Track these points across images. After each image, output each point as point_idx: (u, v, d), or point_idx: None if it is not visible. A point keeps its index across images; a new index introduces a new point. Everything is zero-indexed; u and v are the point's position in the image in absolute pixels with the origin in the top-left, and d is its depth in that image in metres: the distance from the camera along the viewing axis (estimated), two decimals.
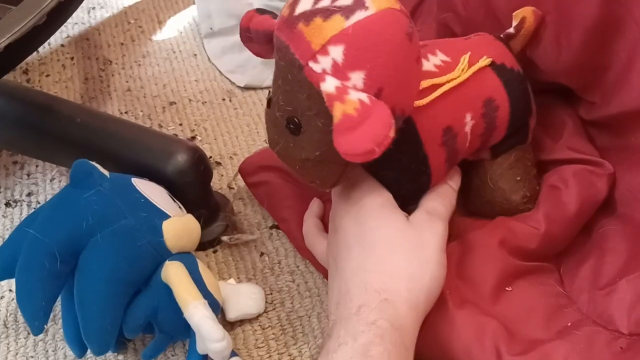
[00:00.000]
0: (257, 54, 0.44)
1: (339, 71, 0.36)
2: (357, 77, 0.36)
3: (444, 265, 0.43)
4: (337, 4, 0.36)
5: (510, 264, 0.47)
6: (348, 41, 0.36)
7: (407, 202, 0.45)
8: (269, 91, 0.42)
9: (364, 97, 0.35)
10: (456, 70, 0.45)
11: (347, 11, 0.36)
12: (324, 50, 0.36)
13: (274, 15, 0.41)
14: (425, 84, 0.43)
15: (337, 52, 0.36)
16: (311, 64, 0.36)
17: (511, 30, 0.48)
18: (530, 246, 0.48)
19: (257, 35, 0.42)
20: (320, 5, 0.37)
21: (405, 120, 0.41)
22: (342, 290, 0.41)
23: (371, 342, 0.37)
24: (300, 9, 0.37)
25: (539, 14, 0.47)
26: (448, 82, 0.44)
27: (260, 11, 0.43)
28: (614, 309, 0.42)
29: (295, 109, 0.38)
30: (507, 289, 0.46)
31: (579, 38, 0.45)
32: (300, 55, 0.36)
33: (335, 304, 0.41)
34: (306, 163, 0.40)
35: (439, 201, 0.46)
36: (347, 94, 0.35)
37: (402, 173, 0.44)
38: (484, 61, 0.46)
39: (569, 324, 0.44)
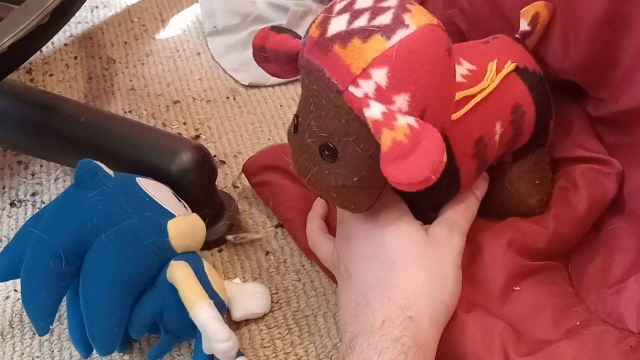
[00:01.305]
0: (274, 75, 0.42)
1: (382, 95, 0.34)
2: (402, 100, 0.34)
3: (460, 282, 0.43)
4: (376, 23, 0.34)
5: (519, 264, 0.47)
6: (392, 63, 0.34)
7: (431, 210, 0.44)
8: (295, 116, 0.39)
9: (412, 121, 0.33)
10: (485, 80, 0.44)
11: (387, 30, 0.34)
12: (365, 74, 0.34)
13: (294, 34, 0.39)
14: (457, 96, 0.41)
15: (380, 75, 0.34)
16: (351, 89, 0.34)
17: (527, 27, 0.48)
18: (539, 245, 0.47)
19: (275, 56, 0.40)
20: (356, 25, 0.35)
21: None
22: (361, 303, 0.40)
23: (395, 359, 0.36)
24: (333, 29, 0.35)
25: (551, 7, 0.46)
26: (479, 92, 0.43)
27: (277, 29, 0.40)
28: (623, 307, 0.42)
29: (331, 134, 0.37)
30: (515, 288, 0.46)
31: (587, 35, 0.45)
32: (338, 79, 0.35)
33: (352, 316, 0.40)
34: (342, 190, 0.38)
35: (462, 213, 0.45)
36: (395, 120, 0.33)
37: (433, 187, 0.43)
38: (509, 67, 0.45)
39: (578, 323, 0.43)
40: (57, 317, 0.50)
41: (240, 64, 0.75)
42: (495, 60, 0.45)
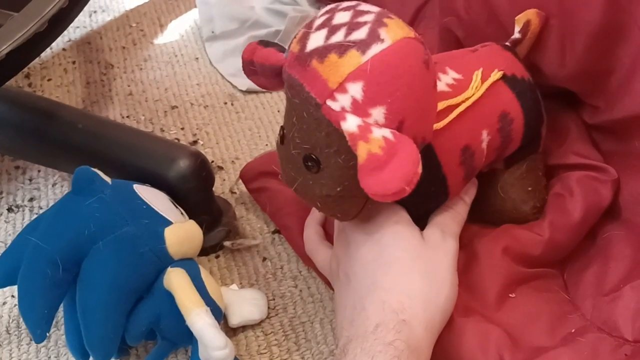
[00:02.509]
0: (263, 87, 0.43)
1: (359, 108, 0.35)
2: (378, 113, 0.35)
3: (456, 285, 0.43)
4: (351, 38, 0.35)
5: (514, 271, 0.47)
6: (366, 77, 0.34)
7: (421, 218, 0.45)
8: (281, 127, 0.40)
9: (387, 133, 0.34)
10: (470, 89, 0.44)
11: (362, 45, 0.35)
12: (341, 88, 0.35)
13: (280, 48, 0.40)
14: (440, 105, 0.42)
15: (356, 89, 0.34)
16: (329, 103, 0.35)
17: (517, 35, 0.48)
18: (534, 253, 0.47)
19: (262, 69, 0.41)
20: (333, 40, 0.35)
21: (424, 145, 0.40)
22: (357, 307, 0.40)
23: None
24: (311, 45, 0.36)
25: (542, 15, 0.47)
26: (463, 102, 0.43)
27: (264, 43, 0.41)
28: (619, 315, 0.42)
29: (313, 146, 0.37)
30: (510, 295, 0.46)
31: (583, 43, 0.45)
32: (316, 93, 0.35)
33: (349, 321, 0.40)
34: (327, 199, 0.39)
35: (452, 218, 0.45)
36: (371, 132, 0.34)
37: (421, 195, 0.42)
38: (496, 75, 0.45)
39: (573, 331, 0.44)
40: (54, 323, 0.50)
41: (238, 69, 0.74)
42: (481, 69, 0.45)
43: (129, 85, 0.74)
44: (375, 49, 0.35)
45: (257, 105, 0.72)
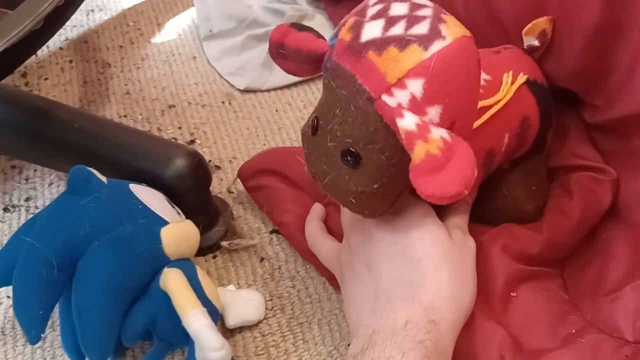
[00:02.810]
0: (291, 72, 0.41)
1: (417, 106, 0.33)
2: (434, 112, 0.34)
3: (476, 285, 0.43)
4: (413, 32, 0.34)
5: (514, 268, 0.47)
6: (429, 74, 0.33)
7: None
8: (314, 118, 0.39)
9: (445, 134, 0.33)
10: (501, 91, 0.43)
11: (424, 41, 0.34)
12: (401, 84, 0.33)
13: (317, 34, 0.39)
14: None
15: (416, 86, 0.33)
16: (385, 98, 0.34)
17: (535, 43, 0.48)
18: (533, 251, 0.47)
19: (296, 54, 0.39)
20: (392, 32, 0.34)
21: None
22: (382, 298, 0.40)
23: None
24: (367, 35, 0.35)
25: (552, 20, 0.46)
26: (496, 103, 0.42)
27: (298, 26, 0.39)
28: (619, 316, 0.42)
29: (356, 140, 0.36)
30: (512, 294, 0.46)
31: (581, 42, 0.45)
32: (371, 87, 0.34)
33: (369, 310, 0.40)
34: (360, 196, 0.38)
35: (462, 219, 0.45)
36: (429, 132, 0.33)
37: None
38: (522, 79, 0.45)
39: (574, 331, 0.43)
40: (50, 324, 0.50)
41: (236, 68, 0.75)
42: (511, 72, 0.45)
43: (126, 84, 0.74)
44: (438, 46, 0.34)
45: (255, 105, 0.71)
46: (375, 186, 0.37)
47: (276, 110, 0.70)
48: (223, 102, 0.72)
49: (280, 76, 0.73)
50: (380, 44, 0.34)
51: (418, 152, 0.32)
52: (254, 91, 0.73)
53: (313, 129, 0.39)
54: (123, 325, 0.43)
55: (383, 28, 0.34)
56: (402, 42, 0.34)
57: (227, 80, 0.74)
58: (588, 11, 0.43)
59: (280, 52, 0.40)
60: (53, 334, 0.50)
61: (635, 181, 0.47)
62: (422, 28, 0.34)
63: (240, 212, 0.59)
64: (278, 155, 0.60)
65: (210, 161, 0.64)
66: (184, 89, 0.74)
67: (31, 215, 0.59)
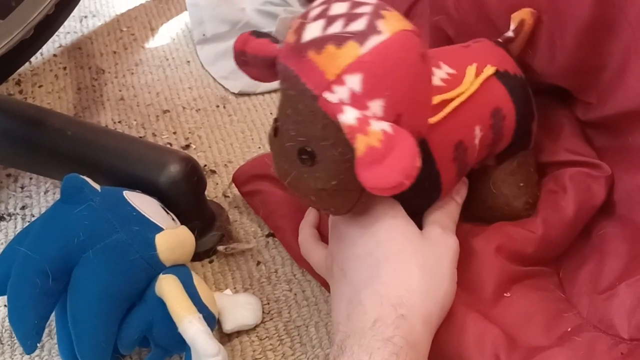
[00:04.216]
0: (255, 78, 0.42)
1: (357, 100, 0.34)
2: (376, 106, 0.34)
3: (455, 281, 0.42)
4: (349, 29, 0.34)
5: (508, 269, 0.46)
6: (365, 69, 0.34)
7: (413, 215, 0.44)
8: (275, 119, 0.40)
9: (386, 126, 0.33)
10: (464, 84, 0.43)
11: (360, 37, 0.34)
12: (339, 80, 0.34)
13: (273, 39, 0.40)
14: (435, 100, 0.41)
15: (354, 81, 0.34)
16: (326, 95, 0.34)
17: (510, 33, 0.48)
18: (528, 250, 0.47)
19: (255, 60, 0.40)
20: (330, 31, 0.35)
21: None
22: (354, 301, 0.39)
23: None
24: (308, 35, 0.35)
25: (536, 14, 0.46)
26: (458, 96, 0.43)
27: (257, 34, 0.40)
28: (614, 313, 0.42)
29: (309, 139, 0.37)
30: (505, 294, 0.46)
31: (573, 39, 0.44)
32: (313, 85, 0.35)
33: (345, 315, 0.40)
34: (321, 193, 0.39)
35: (447, 216, 0.45)
36: (369, 125, 0.33)
37: (414, 191, 0.42)
38: (489, 70, 0.45)
39: (569, 329, 0.43)
40: (47, 332, 0.50)
41: (230, 72, 0.75)
42: (475, 64, 0.45)
43: (120, 90, 0.74)
44: (374, 41, 0.34)
45: (250, 108, 0.71)
46: (334, 183, 0.38)
47: (270, 113, 0.70)
48: (217, 106, 0.72)
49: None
50: (319, 43, 0.35)
51: (359, 145, 0.33)
52: (248, 94, 0.73)
53: (274, 130, 0.40)
54: (119, 332, 0.43)
55: (322, 28, 0.35)
56: (339, 40, 0.34)
57: (221, 84, 0.74)
58: (579, 8, 0.43)
59: (243, 60, 0.41)
60: (51, 342, 0.50)
61: (630, 177, 0.47)
62: (359, 25, 0.35)
63: (236, 216, 0.59)
64: (270, 159, 0.59)
65: (205, 166, 0.64)
66: (178, 93, 0.74)
67: (27, 224, 0.59)
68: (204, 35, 0.79)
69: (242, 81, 0.73)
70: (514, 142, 0.48)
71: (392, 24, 0.35)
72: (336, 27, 0.35)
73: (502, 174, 0.49)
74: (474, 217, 0.50)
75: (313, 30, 0.35)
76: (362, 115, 0.34)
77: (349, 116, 0.34)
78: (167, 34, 0.83)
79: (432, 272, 0.41)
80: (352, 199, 0.40)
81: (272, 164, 0.42)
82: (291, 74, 0.36)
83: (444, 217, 0.45)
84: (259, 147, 0.66)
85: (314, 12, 0.37)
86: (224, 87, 0.74)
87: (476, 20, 0.52)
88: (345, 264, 0.42)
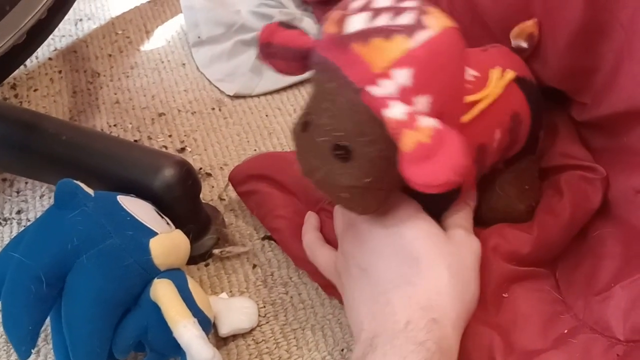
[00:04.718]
0: (281, 71, 0.41)
1: (404, 95, 0.33)
2: (422, 102, 0.33)
3: (479, 284, 0.42)
4: (398, 22, 0.34)
5: (505, 269, 0.46)
6: (416, 63, 0.33)
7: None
8: (305, 113, 0.39)
9: (435, 122, 0.33)
10: (489, 86, 0.43)
11: (410, 31, 0.33)
12: (386, 74, 0.33)
13: (304, 31, 0.39)
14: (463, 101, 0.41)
15: (403, 75, 0.33)
16: (371, 88, 0.34)
17: (524, 45, 0.48)
18: (523, 251, 0.47)
19: (284, 52, 0.39)
20: (376, 23, 0.34)
21: None
22: (381, 301, 0.39)
23: None
24: (352, 27, 0.34)
25: (539, 23, 0.46)
26: (484, 98, 0.42)
27: (285, 25, 0.40)
28: (610, 315, 0.42)
29: (346, 134, 0.36)
30: (504, 295, 0.46)
31: (566, 41, 0.44)
32: (356, 78, 0.34)
33: (369, 314, 0.39)
34: (353, 190, 0.38)
35: (467, 220, 0.45)
36: (418, 121, 0.32)
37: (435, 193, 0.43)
38: (510, 74, 0.45)
39: (566, 331, 0.43)
40: (43, 337, 0.50)
41: (225, 74, 0.75)
42: (499, 68, 0.45)
43: (115, 94, 0.74)
44: (424, 36, 0.33)
45: (245, 110, 0.71)
46: (367, 180, 0.37)
47: (266, 116, 0.70)
48: (213, 109, 0.72)
49: (270, 81, 0.72)
50: (364, 35, 0.34)
51: (407, 141, 0.32)
52: (243, 97, 0.73)
53: (303, 125, 0.39)
54: (114, 337, 0.43)
55: (367, 20, 0.34)
56: (387, 33, 0.34)
57: (216, 87, 0.74)
58: (571, 11, 0.43)
59: (269, 52, 0.40)
60: (47, 347, 0.50)
61: (625, 178, 0.47)
62: (407, 19, 0.34)
63: (231, 219, 0.59)
64: (269, 160, 0.59)
65: (201, 168, 0.64)
66: (174, 96, 0.73)
67: (22, 228, 0.59)
68: (199, 37, 0.79)
69: (237, 83, 0.73)
70: (524, 147, 0.48)
71: (439, 20, 0.34)
72: (383, 20, 0.34)
73: (510, 176, 0.49)
74: (475, 219, 0.50)
75: (357, 22, 0.34)
76: (410, 111, 0.33)
77: (396, 111, 0.33)
78: (163, 37, 0.82)
79: (460, 274, 0.40)
80: (380, 198, 0.39)
81: (296, 161, 0.41)
82: (332, 66, 0.35)
83: (463, 221, 0.44)
84: (255, 150, 0.66)
85: (356, 4, 0.36)
86: (219, 89, 0.74)
87: (470, 22, 0.52)
88: (367, 264, 0.41)
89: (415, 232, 0.41)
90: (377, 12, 0.35)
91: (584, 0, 0.42)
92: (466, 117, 0.41)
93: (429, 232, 0.41)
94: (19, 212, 0.61)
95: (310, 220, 0.52)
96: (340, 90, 0.35)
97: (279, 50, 0.39)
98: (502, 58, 0.47)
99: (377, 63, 0.33)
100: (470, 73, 0.44)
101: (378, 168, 0.36)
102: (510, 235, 0.47)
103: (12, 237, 0.58)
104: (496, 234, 0.47)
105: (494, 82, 0.44)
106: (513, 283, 0.46)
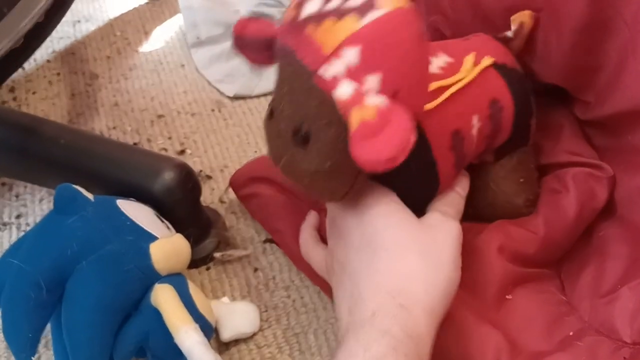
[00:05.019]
0: (254, 62, 0.41)
1: (353, 74, 0.33)
2: (373, 80, 0.33)
3: (459, 267, 0.40)
4: (349, 5, 0.34)
5: (510, 270, 0.46)
6: (364, 41, 0.33)
7: (414, 209, 0.44)
8: (271, 101, 0.39)
9: (381, 101, 0.33)
10: (462, 71, 0.43)
11: (360, 10, 0.34)
12: (337, 53, 0.33)
13: (272, 20, 0.39)
14: (432, 87, 0.41)
15: (352, 54, 0.33)
16: (322, 70, 0.34)
17: (509, 34, 0.47)
18: (529, 251, 0.47)
19: (254, 43, 0.39)
20: (329, 6, 0.34)
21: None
22: (355, 294, 0.38)
23: (383, 354, 0.34)
24: (307, 11, 0.35)
25: (535, 17, 0.46)
26: (455, 83, 0.42)
27: (256, 17, 0.40)
28: (616, 317, 0.41)
29: (304, 118, 0.36)
30: (507, 297, 0.46)
31: (569, 38, 0.44)
32: (309, 60, 0.34)
33: (347, 309, 0.39)
34: (316, 176, 0.38)
35: (449, 204, 0.44)
36: (365, 99, 0.33)
37: (410, 179, 0.42)
38: (487, 61, 0.45)
39: (571, 333, 0.43)
40: (44, 343, 0.50)
41: (224, 75, 0.74)
42: (473, 54, 0.44)
43: (114, 96, 0.73)
44: (373, 15, 0.33)
45: (245, 111, 0.71)
46: (328, 164, 0.37)
47: None
48: (213, 110, 0.71)
49: (270, 81, 0.71)
50: (317, 18, 0.34)
51: (353, 119, 0.32)
52: (243, 98, 0.72)
53: (270, 112, 0.39)
54: (115, 343, 0.43)
55: (321, 3, 0.35)
56: (338, 14, 0.34)
57: (216, 88, 0.74)
58: (574, 7, 0.42)
59: (241, 44, 0.40)
60: (47, 353, 0.49)
61: (630, 178, 0.46)
62: (357, 0, 0.34)
63: (232, 222, 0.59)
64: (270, 162, 0.59)
65: (201, 171, 0.64)
66: (173, 98, 0.73)
67: (22, 233, 0.59)
68: (198, 38, 0.78)
69: (237, 84, 0.73)
70: (512, 137, 0.47)
71: (391, 0, 0.34)
72: (335, 3, 0.34)
73: (502, 170, 0.48)
74: (474, 214, 0.50)
75: (311, 7, 0.35)
76: (357, 89, 0.33)
77: (344, 90, 0.33)
78: (161, 38, 0.82)
79: (433, 258, 0.39)
80: (346, 183, 0.39)
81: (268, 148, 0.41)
82: (288, 50, 0.35)
83: (443, 205, 0.44)
84: (255, 151, 0.66)
85: None
86: (219, 90, 0.73)
87: (472, 19, 0.51)
88: (344, 258, 0.41)
89: (384, 219, 0.40)
90: None
91: None
92: (434, 103, 0.41)
93: (400, 217, 0.40)
94: (18, 217, 0.61)
95: (310, 219, 0.52)
96: (296, 75, 0.35)
97: (250, 42, 0.40)
98: (482, 45, 0.47)
99: (327, 44, 0.34)
100: (444, 59, 0.44)
101: (338, 151, 0.36)
102: (516, 235, 0.47)
103: (12, 241, 0.58)
104: (501, 233, 0.47)
105: (467, 67, 0.43)
106: (518, 285, 0.46)
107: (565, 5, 0.43)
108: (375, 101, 0.33)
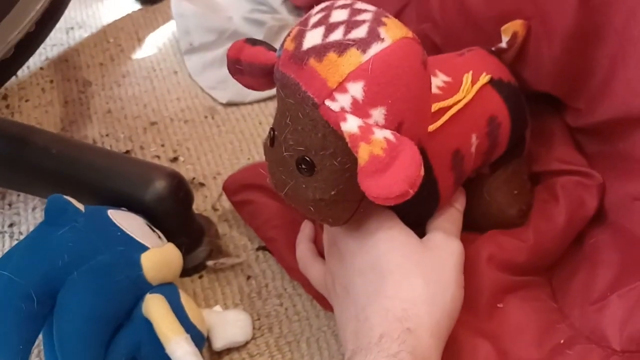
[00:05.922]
0: (249, 87, 0.42)
1: (359, 109, 0.33)
2: (378, 113, 0.34)
3: (462, 286, 0.41)
4: (351, 36, 0.34)
5: (500, 279, 0.46)
6: (368, 77, 0.33)
7: (415, 226, 0.44)
8: (271, 129, 0.39)
9: (389, 134, 0.33)
10: (461, 91, 0.43)
11: (362, 44, 0.34)
12: (341, 88, 0.33)
13: (269, 46, 0.39)
14: (432, 108, 0.41)
15: (356, 89, 0.33)
16: (328, 103, 0.34)
17: (503, 45, 0.48)
18: (519, 260, 0.47)
19: (250, 68, 0.39)
20: (331, 38, 0.34)
21: None
22: (361, 318, 0.39)
23: None
24: (308, 43, 0.35)
25: (527, 25, 0.46)
26: (455, 104, 0.42)
27: (252, 41, 0.40)
28: (606, 325, 0.41)
29: (308, 148, 0.36)
30: (498, 305, 0.46)
31: (559, 45, 0.44)
32: (314, 93, 0.34)
33: (353, 333, 0.39)
34: (320, 203, 0.38)
35: (450, 222, 0.45)
36: (372, 133, 0.33)
37: (412, 199, 0.42)
38: (484, 78, 0.45)
39: (562, 341, 0.43)
40: (36, 352, 0.49)
41: (217, 82, 0.74)
42: (471, 72, 0.45)
43: (107, 103, 0.73)
44: (376, 48, 0.34)
45: (238, 118, 0.71)
46: (333, 192, 0.37)
47: (260, 123, 0.70)
48: (206, 117, 0.71)
49: None
50: (320, 51, 0.34)
51: (362, 154, 0.32)
52: (236, 104, 0.72)
53: (270, 140, 0.39)
54: (107, 354, 0.42)
55: (323, 35, 0.35)
56: (341, 47, 0.34)
57: (209, 95, 0.74)
58: (564, 15, 0.43)
59: (237, 68, 0.40)
60: None
61: (620, 185, 0.47)
62: (360, 32, 0.34)
63: (225, 230, 0.59)
64: (263, 168, 0.59)
65: (194, 178, 0.64)
66: (166, 104, 0.73)
67: (15, 242, 0.59)
68: (191, 44, 0.78)
69: (230, 91, 0.72)
70: (508, 149, 0.47)
71: (393, 31, 0.35)
72: (337, 35, 0.34)
73: (496, 181, 0.48)
74: (468, 225, 0.50)
75: (313, 38, 0.35)
76: (364, 124, 0.33)
77: (351, 124, 0.33)
78: (154, 44, 0.82)
79: (436, 279, 0.40)
80: (350, 210, 0.39)
81: (267, 174, 0.41)
82: (291, 82, 0.35)
83: (445, 223, 0.44)
84: (248, 158, 0.66)
85: (314, 20, 0.36)
86: (212, 97, 0.73)
87: (463, 27, 0.52)
88: (348, 282, 0.41)
89: (388, 243, 0.40)
90: (332, 26, 0.35)
91: (578, 2, 0.41)
92: (436, 124, 0.41)
93: (403, 241, 0.41)
94: (11, 225, 0.60)
95: (305, 230, 0.51)
96: (300, 106, 0.35)
97: (245, 67, 0.40)
98: (478, 61, 0.47)
99: (332, 78, 0.34)
100: (442, 79, 0.44)
101: (342, 180, 0.36)
102: (505, 244, 0.47)
103: (5, 250, 0.58)
104: (491, 243, 0.47)
105: (466, 87, 0.44)
106: (508, 293, 0.46)
107: (555, 12, 0.44)
108: (383, 135, 0.33)
